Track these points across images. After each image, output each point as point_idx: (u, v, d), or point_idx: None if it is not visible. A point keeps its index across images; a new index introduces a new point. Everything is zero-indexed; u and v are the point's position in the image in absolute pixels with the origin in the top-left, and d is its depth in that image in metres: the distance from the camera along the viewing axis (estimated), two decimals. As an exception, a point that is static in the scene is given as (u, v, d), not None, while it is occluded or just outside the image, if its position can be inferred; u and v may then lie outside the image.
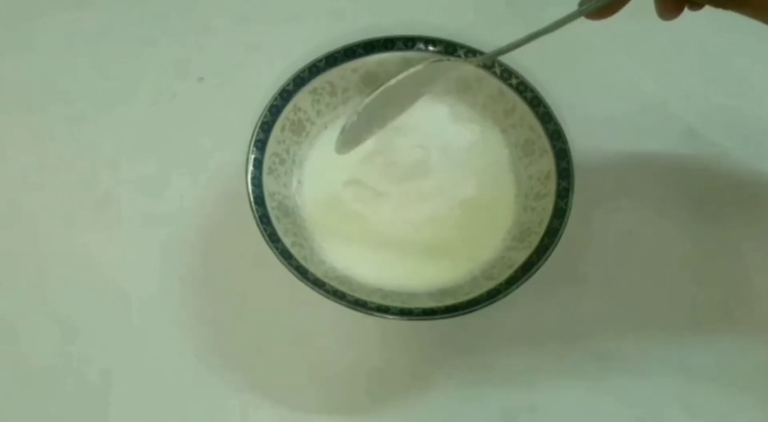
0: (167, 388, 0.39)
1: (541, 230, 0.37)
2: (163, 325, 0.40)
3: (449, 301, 0.36)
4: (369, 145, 0.41)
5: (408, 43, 0.42)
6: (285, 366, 0.39)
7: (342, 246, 0.39)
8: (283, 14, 0.49)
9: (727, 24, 0.34)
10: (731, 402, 0.38)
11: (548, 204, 0.38)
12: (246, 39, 0.48)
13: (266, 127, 0.39)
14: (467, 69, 0.41)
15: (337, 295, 0.35)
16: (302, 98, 0.41)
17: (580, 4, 0.34)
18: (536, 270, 0.36)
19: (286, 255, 0.36)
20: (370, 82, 0.42)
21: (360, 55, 0.41)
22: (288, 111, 0.40)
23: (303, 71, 0.41)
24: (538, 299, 0.40)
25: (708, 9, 0.32)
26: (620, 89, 0.46)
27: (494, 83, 0.41)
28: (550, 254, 0.36)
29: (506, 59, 0.41)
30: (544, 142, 0.39)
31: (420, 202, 0.40)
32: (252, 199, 0.37)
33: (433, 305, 0.36)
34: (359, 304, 0.35)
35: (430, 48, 0.42)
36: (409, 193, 0.41)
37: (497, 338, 0.40)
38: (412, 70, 0.36)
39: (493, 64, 0.41)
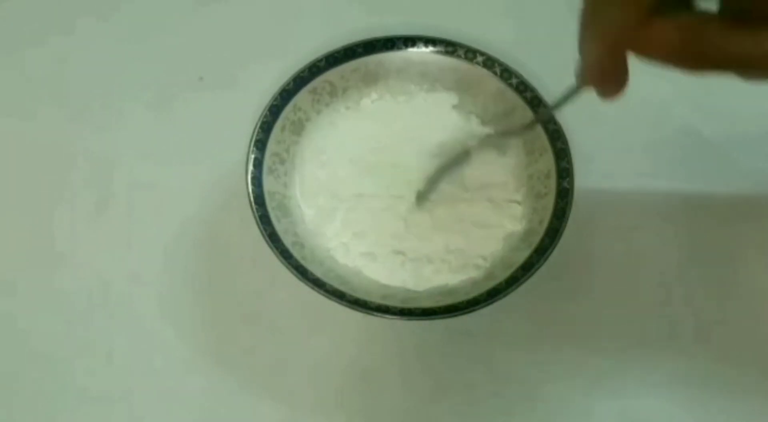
0: (165, 387, 0.39)
1: (541, 230, 0.37)
2: (163, 325, 0.40)
3: (449, 301, 0.36)
4: (369, 144, 0.42)
5: (408, 43, 0.42)
6: (284, 365, 0.39)
7: (342, 246, 0.39)
8: (284, 14, 0.49)
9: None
10: (732, 404, 0.38)
11: (548, 204, 0.38)
12: (246, 38, 0.48)
13: (266, 126, 0.39)
14: (467, 68, 0.42)
15: (336, 295, 0.35)
16: (302, 98, 0.41)
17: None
18: (536, 270, 0.36)
19: (286, 255, 0.36)
20: (370, 82, 0.42)
21: (360, 55, 0.41)
22: (288, 111, 0.40)
23: (303, 71, 0.41)
24: (538, 299, 0.40)
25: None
26: (620, 89, 0.46)
27: (494, 83, 0.41)
28: (550, 254, 0.36)
29: (506, 59, 0.41)
30: (545, 142, 0.39)
31: (420, 201, 0.40)
32: (252, 199, 0.37)
33: (433, 305, 0.36)
34: (359, 304, 0.35)
35: (431, 48, 0.42)
36: (409, 193, 0.40)
37: (497, 338, 0.40)
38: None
39: (493, 64, 0.41)
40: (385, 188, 0.41)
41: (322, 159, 0.41)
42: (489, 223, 0.40)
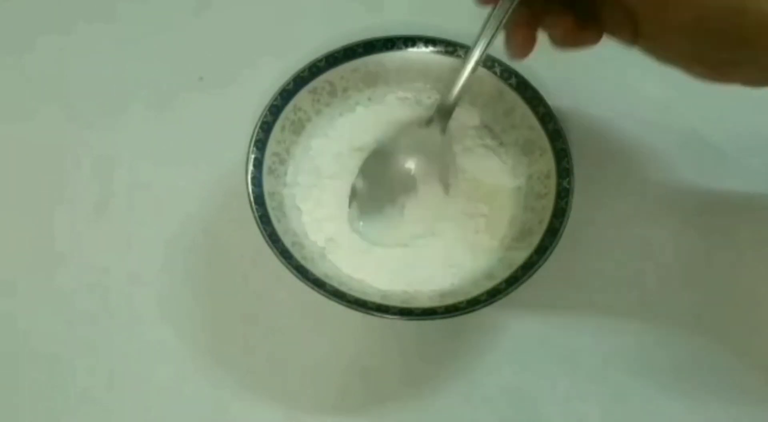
0: (165, 387, 0.39)
1: (541, 230, 0.37)
2: (163, 325, 0.40)
3: (449, 301, 0.36)
4: (366, 142, 0.42)
5: (408, 43, 0.42)
6: (284, 365, 0.39)
7: (341, 245, 0.39)
8: (284, 14, 0.49)
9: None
10: (732, 401, 0.39)
11: (548, 204, 0.38)
12: (246, 38, 0.48)
13: (266, 126, 0.39)
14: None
15: (337, 295, 0.35)
16: (302, 98, 0.41)
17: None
18: (536, 270, 0.36)
19: (286, 255, 0.36)
20: (370, 82, 0.42)
21: (360, 55, 0.41)
22: (288, 111, 0.40)
23: (303, 71, 0.41)
24: (538, 299, 0.40)
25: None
26: (621, 89, 0.46)
27: (494, 83, 0.41)
28: (550, 254, 0.36)
29: (506, 59, 0.41)
30: (544, 142, 0.39)
31: (420, 201, 0.40)
32: (252, 199, 0.37)
33: (433, 305, 0.35)
34: (359, 304, 0.35)
35: (431, 48, 0.42)
36: (409, 192, 0.40)
37: (497, 338, 0.40)
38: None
39: (493, 64, 0.41)
40: (384, 187, 0.40)
41: (320, 158, 0.41)
42: (489, 221, 0.40)
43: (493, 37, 0.36)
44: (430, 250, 0.39)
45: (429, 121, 0.40)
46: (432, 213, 0.40)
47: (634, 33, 0.31)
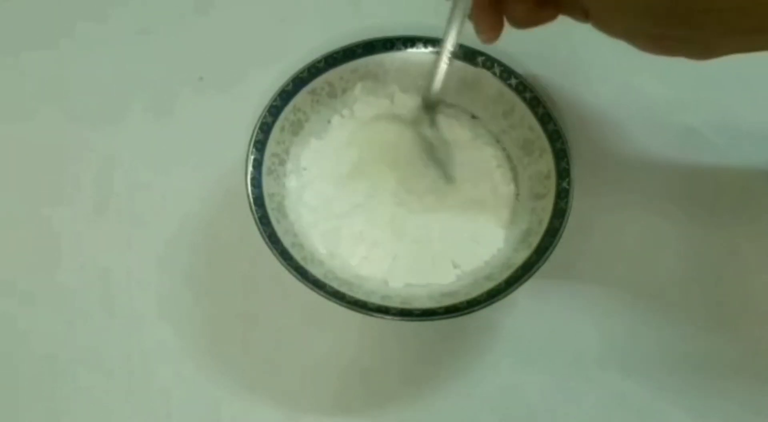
0: (164, 387, 0.39)
1: (541, 230, 0.37)
2: (162, 325, 0.40)
3: (449, 302, 0.36)
4: (368, 142, 0.42)
5: (407, 43, 0.42)
6: (284, 366, 0.39)
7: (341, 246, 0.39)
8: (283, 14, 0.49)
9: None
10: (731, 400, 0.39)
11: (548, 204, 0.38)
12: (246, 39, 0.48)
13: (266, 127, 0.39)
14: (467, 68, 0.41)
15: (336, 296, 0.35)
16: (302, 99, 0.41)
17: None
18: (536, 270, 0.36)
19: (285, 256, 0.36)
20: (370, 82, 0.42)
21: (360, 56, 0.41)
22: (287, 111, 0.40)
23: (302, 72, 0.41)
24: (538, 299, 0.40)
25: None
26: (620, 89, 0.46)
27: (494, 84, 0.41)
28: (550, 254, 0.36)
29: (506, 59, 0.41)
30: (544, 142, 0.39)
31: (420, 201, 0.40)
32: (251, 199, 0.37)
33: (433, 306, 0.36)
34: (359, 305, 0.35)
35: (430, 48, 0.42)
36: (409, 193, 0.40)
37: (496, 338, 0.40)
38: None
39: (493, 64, 0.41)
40: (384, 188, 0.41)
41: (320, 159, 0.41)
42: (489, 222, 0.40)
43: (461, 26, 0.38)
44: (443, 241, 0.39)
45: (416, 119, 0.41)
46: (439, 204, 0.40)
47: (585, 11, 0.32)
